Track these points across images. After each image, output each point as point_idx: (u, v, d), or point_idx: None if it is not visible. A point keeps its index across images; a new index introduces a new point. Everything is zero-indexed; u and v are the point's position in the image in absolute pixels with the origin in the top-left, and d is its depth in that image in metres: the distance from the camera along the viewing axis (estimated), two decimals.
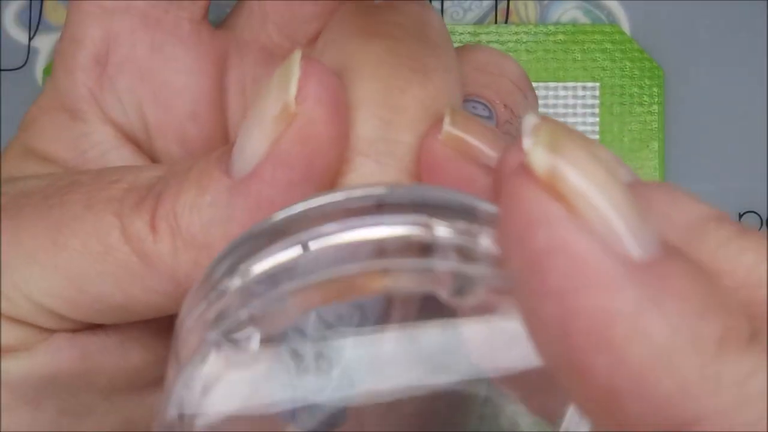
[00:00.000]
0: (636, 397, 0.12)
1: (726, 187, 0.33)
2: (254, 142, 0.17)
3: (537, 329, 0.12)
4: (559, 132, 0.13)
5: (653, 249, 0.12)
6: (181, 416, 0.15)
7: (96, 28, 0.22)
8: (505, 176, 0.13)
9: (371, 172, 0.17)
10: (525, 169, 0.12)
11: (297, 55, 0.17)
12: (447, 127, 0.18)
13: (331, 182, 0.17)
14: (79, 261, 0.18)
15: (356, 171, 0.17)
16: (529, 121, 0.13)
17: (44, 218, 0.18)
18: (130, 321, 0.19)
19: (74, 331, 0.19)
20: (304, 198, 0.15)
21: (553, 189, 0.12)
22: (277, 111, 0.17)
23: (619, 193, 0.12)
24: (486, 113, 0.20)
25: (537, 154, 0.12)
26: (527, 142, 0.13)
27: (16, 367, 0.19)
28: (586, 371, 0.12)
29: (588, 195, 0.12)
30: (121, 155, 0.22)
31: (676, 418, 0.11)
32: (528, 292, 0.12)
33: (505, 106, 0.21)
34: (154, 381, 0.20)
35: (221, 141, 0.22)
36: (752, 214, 0.32)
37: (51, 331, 0.19)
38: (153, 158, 0.22)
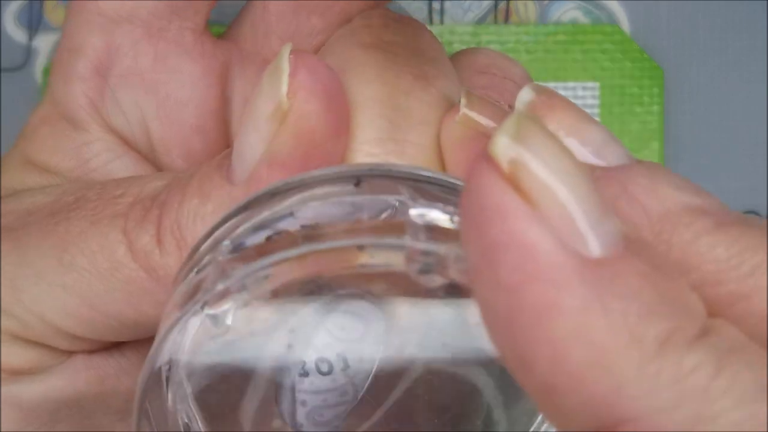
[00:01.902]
0: (573, 394, 0.12)
1: (726, 187, 0.33)
2: (251, 145, 0.16)
3: (488, 318, 0.12)
4: (529, 121, 0.12)
5: (611, 246, 0.12)
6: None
7: (97, 37, 0.21)
8: (472, 161, 0.13)
9: None
10: (487, 157, 0.12)
11: (286, 50, 0.16)
12: (463, 109, 0.18)
13: None
14: (88, 279, 0.18)
15: None
16: (523, 95, 0.13)
17: (50, 236, 0.18)
18: (145, 337, 0.19)
19: (91, 352, 0.19)
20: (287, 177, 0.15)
21: (514, 179, 0.12)
22: (270, 110, 0.16)
23: (583, 186, 0.12)
24: None
25: (500, 142, 0.12)
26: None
27: (32, 389, 0.18)
28: (528, 364, 0.12)
29: (549, 187, 0.12)
30: (125, 164, 0.21)
31: (611, 416, 0.12)
32: (481, 283, 0.12)
33: (510, 107, 0.20)
34: None
35: None
36: (752, 214, 0.32)
37: (68, 353, 0.19)
38: (158, 167, 0.22)
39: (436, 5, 0.33)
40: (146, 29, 0.21)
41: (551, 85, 0.33)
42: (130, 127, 0.21)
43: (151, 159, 0.22)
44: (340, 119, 0.17)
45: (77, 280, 0.18)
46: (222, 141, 0.22)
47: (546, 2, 0.33)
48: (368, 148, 0.17)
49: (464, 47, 0.33)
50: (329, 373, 0.16)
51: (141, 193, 0.18)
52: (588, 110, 0.33)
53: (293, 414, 0.16)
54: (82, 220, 0.18)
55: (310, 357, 0.16)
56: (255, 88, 0.17)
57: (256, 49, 0.22)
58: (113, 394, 0.19)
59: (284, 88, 0.16)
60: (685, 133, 0.33)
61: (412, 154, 0.17)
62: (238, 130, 0.17)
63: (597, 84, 0.33)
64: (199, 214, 0.17)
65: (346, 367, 0.16)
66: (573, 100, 0.33)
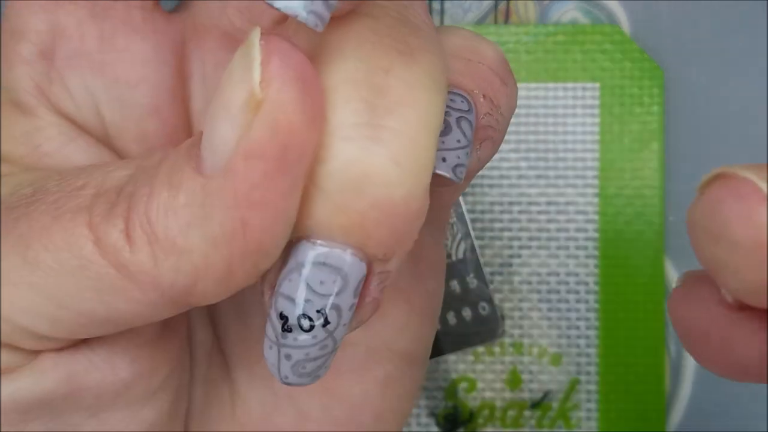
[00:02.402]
0: None
1: None
2: (222, 135, 0.16)
3: None
4: None
5: None
6: None
7: (39, 20, 0.20)
8: None
9: (355, 158, 0.16)
10: None
11: (256, 35, 0.15)
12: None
13: (309, 170, 0.16)
14: (55, 278, 0.17)
15: (337, 157, 0.16)
16: None
17: (10, 234, 0.17)
18: (117, 332, 0.18)
19: (59, 349, 0.18)
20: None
21: None
22: (242, 99, 0.15)
23: None
24: (465, 106, 0.19)
25: None
26: None
27: None
28: None
29: None
30: (80, 147, 0.20)
31: None
32: None
33: (484, 96, 0.19)
34: (143, 395, 0.19)
35: (184, 135, 0.21)
36: None
37: (35, 353, 0.18)
38: (112, 150, 0.21)
39: (436, 5, 0.33)
40: (90, 9, 0.20)
41: (551, 85, 0.33)
42: (80, 112, 0.20)
43: (106, 142, 0.21)
44: (316, 105, 0.16)
45: (44, 279, 0.17)
46: (179, 122, 0.21)
47: (546, 2, 0.33)
48: (342, 132, 0.16)
49: None
50: (310, 329, 0.17)
51: (104, 184, 0.17)
52: (588, 110, 0.33)
53: (279, 367, 0.17)
54: (44, 214, 0.17)
55: (292, 314, 0.17)
56: (224, 75, 0.16)
57: (213, 22, 0.21)
58: (83, 391, 0.18)
59: (257, 76, 0.15)
60: (685, 133, 0.33)
61: (389, 140, 0.16)
62: (206, 118, 0.16)
63: (597, 84, 0.33)
64: (171, 207, 0.16)
65: (326, 323, 0.17)
66: (573, 101, 0.33)
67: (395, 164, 0.16)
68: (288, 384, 0.17)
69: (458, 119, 0.18)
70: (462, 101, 0.19)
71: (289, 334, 0.17)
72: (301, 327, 0.17)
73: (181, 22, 0.21)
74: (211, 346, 0.22)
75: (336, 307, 0.17)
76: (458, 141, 0.18)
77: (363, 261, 0.16)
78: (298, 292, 0.16)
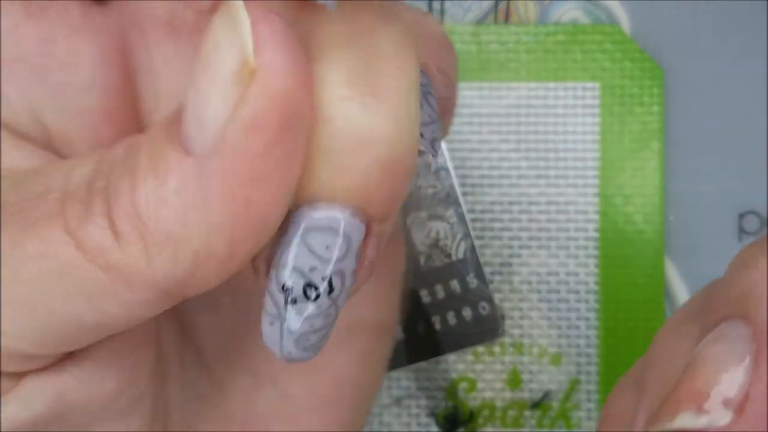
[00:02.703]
0: None
1: (726, 187, 0.33)
2: (214, 108, 0.15)
3: None
4: None
5: None
6: None
7: None
8: None
9: (356, 117, 0.15)
10: None
11: (239, 2, 0.15)
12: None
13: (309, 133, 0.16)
14: (38, 292, 0.16)
15: (338, 118, 0.15)
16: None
17: None
18: (106, 336, 0.17)
19: (43, 369, 0.17)
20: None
21: None
22: (234, 68, 0.15)
23: None
24: (425, 80, 0.18)
25: None
26: None
27: None
28: None
29: None
30: (23, 156, 0.19)
31: None
32: None
33: (439, 69, 0.19)
34: (129, 403, 0.19)
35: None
36: (752, 214, 0.32)
37: (18, 376, 0.17)
38: (59, 156, 0.20)
39: (436, 5, 0.33)
40: (25, 8, 0.19)
41: (551, 85, 0.33)
42: (18, 119, 0.19)
43: (51, 150, 0.20)
44: (306, 69, 0.15)
45: (26, 296, 0.16)
46: (132, 124, 0.20)
47: (546, 2, 0.33)
48: (340, 92, 0.15)
49: (464, 48, 0.33)
50: (317, 298, 0.16)
51: (67, 185, 0.16)
52: (588, 110, 0.33)
53: (281, 344, 0.16)
54: (13, 226, 0.16)
55: (298, 283, 0.16)
56: (205, 46, 0.15)
57: (151, 11, 0.20)
58: (72, 410, 0.18)
59: (249, 43, 0.14)
60: (685, 133, 0.33)
61: (386, 97, 0.16)
62: (187, 94, 0.15)
63: (597, 84, 0.33)
64: (160, 195, 0.15)
65: (330, 290, 0.16)
66: (573, 101, 0.33)
67: (395, 120, 0.16)
68: (290, 360, 0.17)
69: (425, 94, 0.18)
70: (423, 76, 0.18)
71: (293, 306, 0.16)
72: (307, 296, 0.16)
73: (118, 14, 0.20)
74: (181, 342, 0.22)
75: (340, 273, 0.16)
76: (429, 116, 0.18)
77: (363, 222, 0.16)
78: (303, 259, 0.16)
